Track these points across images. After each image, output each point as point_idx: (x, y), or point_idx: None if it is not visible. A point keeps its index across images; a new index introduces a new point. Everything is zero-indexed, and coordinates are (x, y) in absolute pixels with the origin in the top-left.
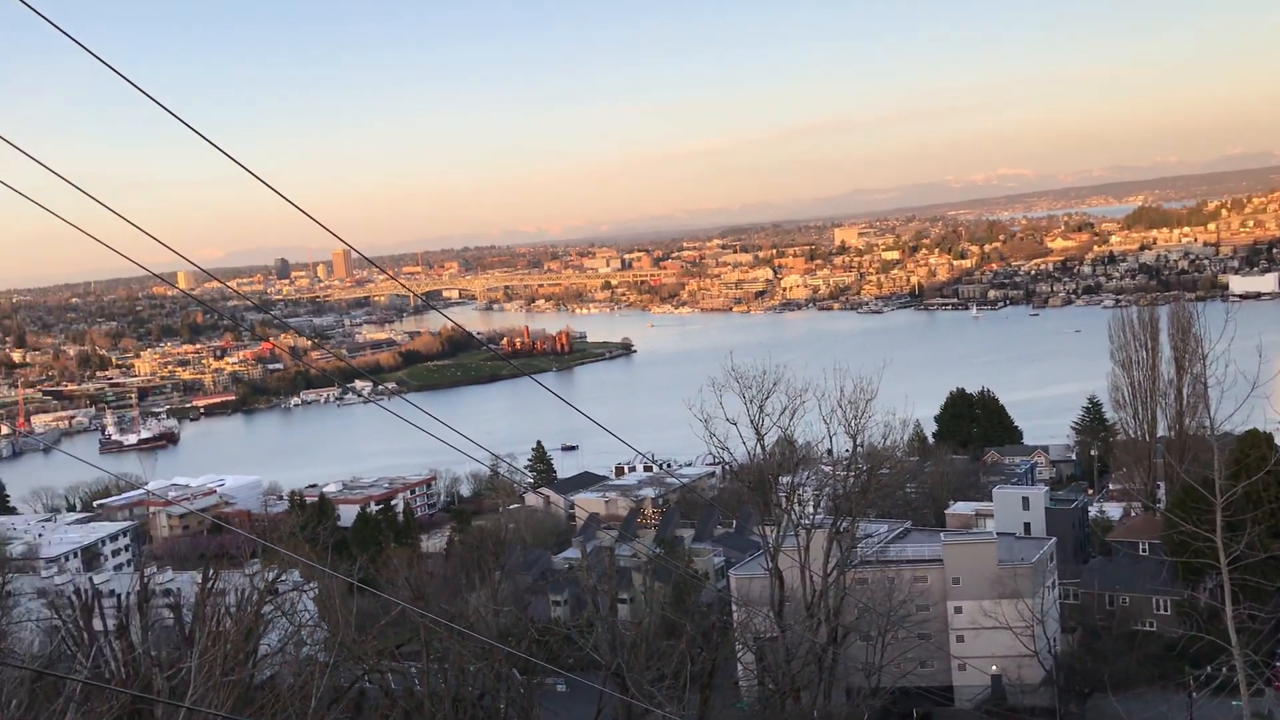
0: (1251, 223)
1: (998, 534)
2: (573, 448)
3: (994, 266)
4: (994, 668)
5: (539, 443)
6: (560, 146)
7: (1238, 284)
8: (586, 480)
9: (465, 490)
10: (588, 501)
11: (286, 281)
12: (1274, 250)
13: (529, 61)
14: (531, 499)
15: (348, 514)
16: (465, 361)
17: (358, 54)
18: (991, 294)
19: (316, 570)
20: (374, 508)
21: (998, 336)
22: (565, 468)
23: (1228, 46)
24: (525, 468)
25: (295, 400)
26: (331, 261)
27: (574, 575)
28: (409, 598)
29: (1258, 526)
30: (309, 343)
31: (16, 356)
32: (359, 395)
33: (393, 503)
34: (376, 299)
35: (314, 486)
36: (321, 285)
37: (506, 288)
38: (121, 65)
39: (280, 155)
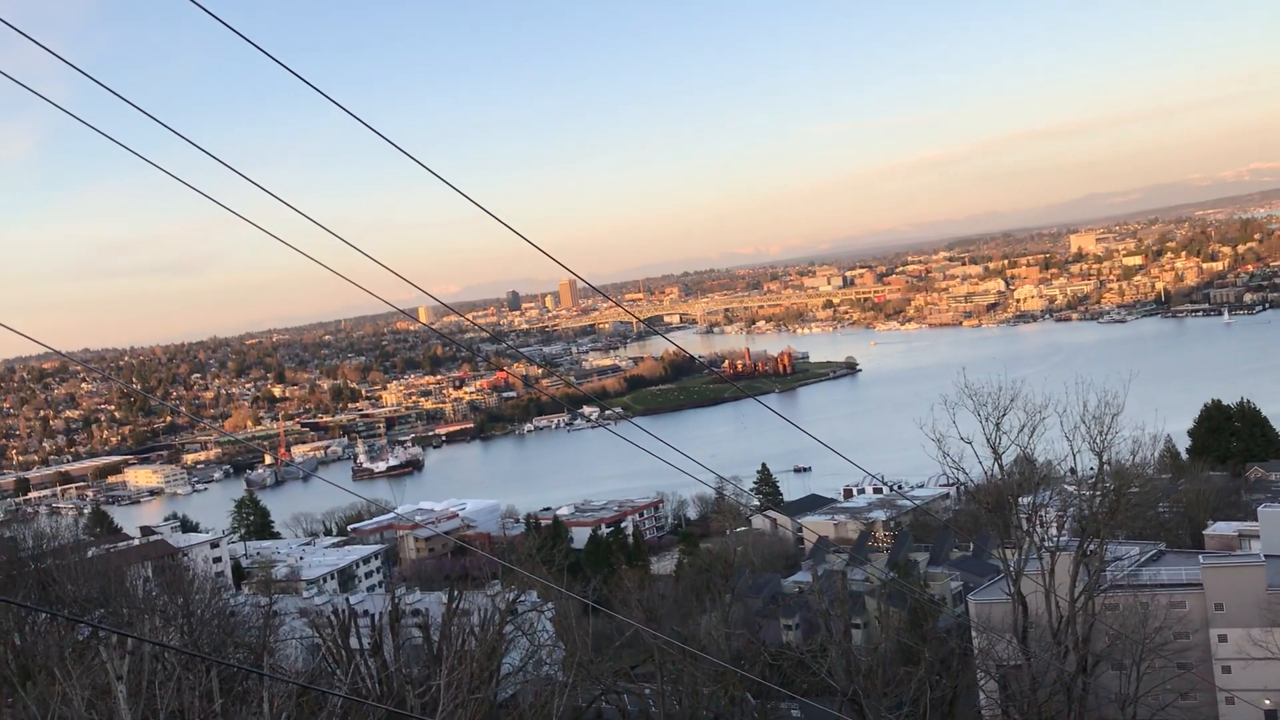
0: None
1: (1265, 556)
2: (805, 469)
3: (1249, 268)
4: (1267, 701)
5: (764, 465)
6: (778, 167)
7: None
8: (814, 503)
9: (692, 513)
10: (816, 524)
11: (517, 313)
12: None
13: (745, 85)
14: (758, 522)
15: (580, 536)
16: (688, 385)
17: (577, 84)
18: (1248, 297)
19: (553, 591)
20: (605, 530)
21: (1257, 343)
22: (795, 489)
23: None
24: (751, 490)
25: (528, 426)
26: (558, 292)
27: (805, 599)
28: (642, 619)
29: None
30: (539, 371)
31: (277, 391)
32: (587, 420)
33: (622, 525)
34: (601, 326)
35: (548, 509)
36: (550, 315)
37: (726, 310)
38: (365, 114)
39: (510, 189)
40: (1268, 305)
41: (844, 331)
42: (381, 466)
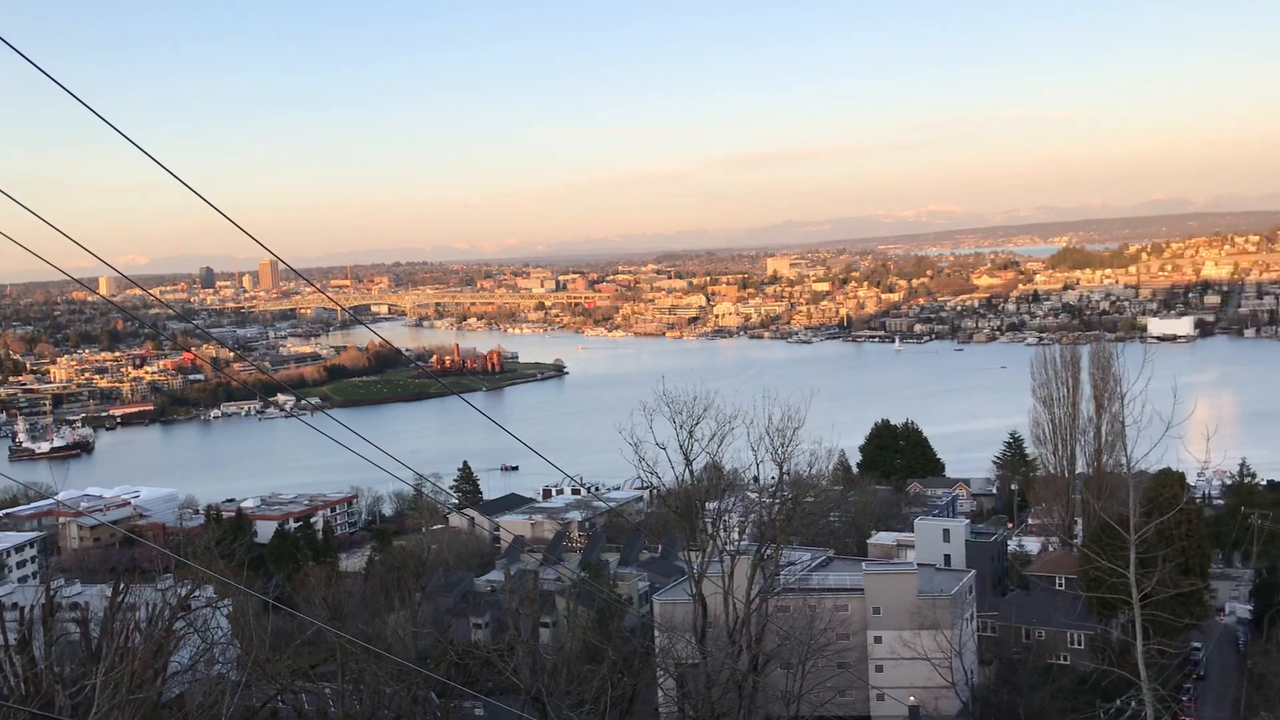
0: (1170, 267)
1: (918, 565)
2: (513, 468)
3: (921, 301)
4: (911, 699)
5: (465, 462)
6: (498, 165)
7: (1156, 326)
8: (513, 502)
9: (388, 509)
10: (513, 524)
11: (211, 291)
12: (1190, 295)
13: (463, 80)
14: (456, 520)
15: (265, 530)
16: (393, 378)
17: (293, 62)
18: (918, 328)
19: (231, 587)
20: (293, 524)
21: (923, 370)
22: (502, 488)
23: (1152, 97)
24: (451, 488)
25: (215, 412)
26: (258, 272)
27: (496, 598)
28: (325, 617)
29: (1168, 564)
30: (231, 354)
31: None
32: (281, 409)
33: (312, 520)
34: (303, 312)
35: (231, 501)
36: (247, 296)
37: (438, 305)
38: (47, 64)
39: (210, 161)
40: (934, 336)
41: (554, 334)
42: (44, 447)
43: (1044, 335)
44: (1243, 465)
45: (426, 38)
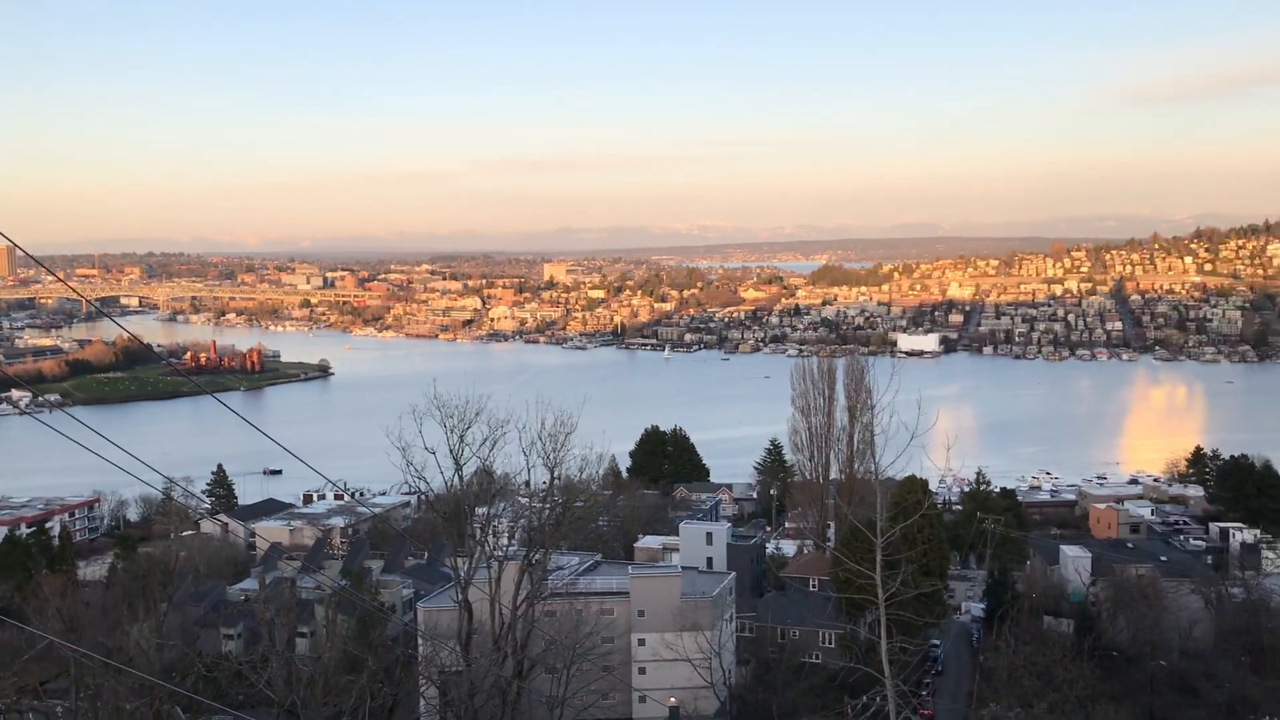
0: (919, 286)
1: (682, 568)
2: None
3: (692, 311)
4: (672, 700)
5: (220, 466)
6: (260, 154)
7: (905, 342)
8: (271, 508)
9: (133, 514)
10: (271, 530)
11: None
12: (936, 313)
13: (222, 59)
14: (208, 526)
15: None
16: (142, 375)
17: (30, 32)
18: (688, 337)
19: None
20: (25, 530)
21: (692, 378)
22: (264, 492)
23: (906, 122)
24: (204, 492)
25: None
26: None
27: (250, 607)
28: (59, 630)
29: (911, 565)
30: None
31: None
32: (15, 406)
33: (48, 525)
34: (44, 301)
35: None
36: None
37: (194, 299)
38: None
39: None
40: (703, 345)
41: (320, 333)
42: None
43: (804, 347)
44: (979, 473)
45: (195, 13)
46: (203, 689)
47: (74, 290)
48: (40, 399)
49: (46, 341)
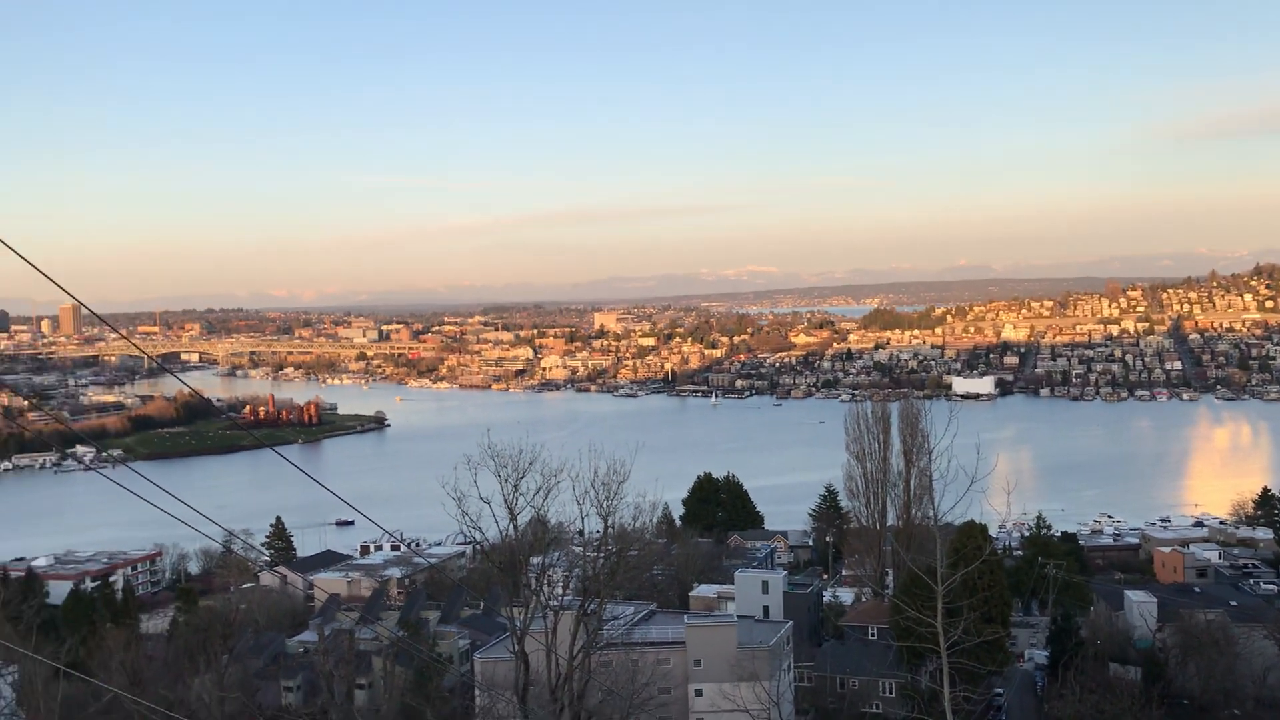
0: (972, 329)
1: (738, 617)
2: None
3: (742, 357)
4: None
5: (279, 518)
6: (318, 212)
7: (960, 385)
8: (328, 559)
9: (194, 567)
10: (329, 581)
11: (5, 335)
12: (991, 355)
13: (282, 123)
14: (267, 579)
15: (59, 590)
16: (202, 429)
17: (99, 94)
18: (739, 383)
19: (17, 653)
20: (89, 584)
21: (744, 424)
22: (315, 545)
23: (957, 165)
24: (263, 545)
25: (6, 464)
26: (58, 317)
27: (309, 659)
28: (123, 683)
29: (973, 613)
30: (26, 402)
31: None
32: (80, 462)
33: (111, 579)
34: (107, 359)
35: (21, 560)
36: (45, 341)
37: (253, 353)
38: None
39: (5, 199)
40: (754, 391)
41: (376, 385)
42: None
43: (857, 392)
44: (1039, 518)
45: (244, 78)
46: None
47: (136, 347)
48: (104, 454)
49: (110, 398)
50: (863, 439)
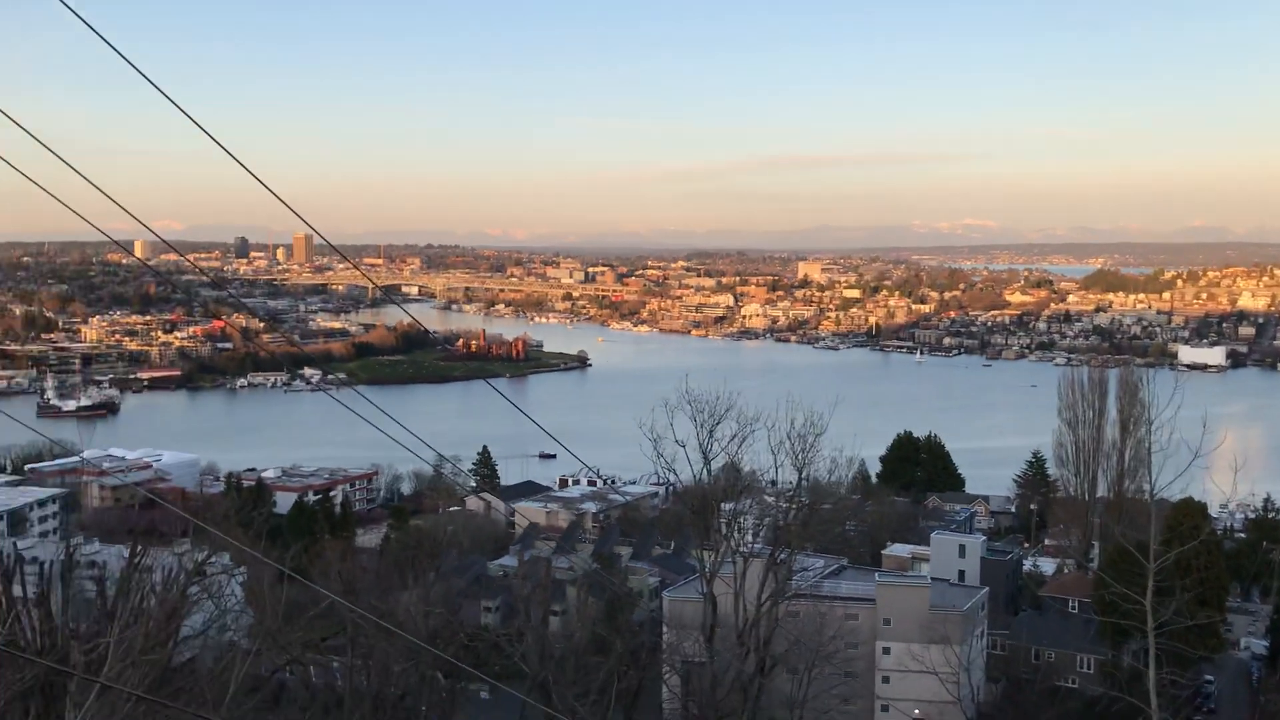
0: (1205, 295)
1: (932, 579)
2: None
3: (952, 314)
4: (916, 711)
5: (485, 447)
6: (535, 151)
7: (1187, 354)
8: (530, 489)
9: (406, 488)
10: (529, 510)
11: (245, 261)
12: (1224, 324)
13: (501, 61)
14: (472, 503)
15: (285, 501)
16: (419, 359)
17: (333, 35)
18: (947, 341)
19: (247, 555)
20: (312, 497)
21: (950, 383)
22: (515, 476)
23: (1196, 120)
24: (470, 471)
25: (242, 381)
26: (292, 245)
27: (508, 583)
28: (339, 591)
29: (1186, 594)
30: (261, 325)
31: None
32: (307, 382)
33: (331, 494)
34: (335, 287)
35: (252, 470)
36: (280, 268)
37: (467, 289)
38: (95, 19)
39: (249, 132)
40: (963, 350)
41: (580, 325)
42: (71, 405)
43: (1073, 356)
44: (1267, 500)
45: (469, 14)
46: (463, 657)
47: (366, 276)
48: (329, 377)
49: (336, 324)
50: (1077, 405)
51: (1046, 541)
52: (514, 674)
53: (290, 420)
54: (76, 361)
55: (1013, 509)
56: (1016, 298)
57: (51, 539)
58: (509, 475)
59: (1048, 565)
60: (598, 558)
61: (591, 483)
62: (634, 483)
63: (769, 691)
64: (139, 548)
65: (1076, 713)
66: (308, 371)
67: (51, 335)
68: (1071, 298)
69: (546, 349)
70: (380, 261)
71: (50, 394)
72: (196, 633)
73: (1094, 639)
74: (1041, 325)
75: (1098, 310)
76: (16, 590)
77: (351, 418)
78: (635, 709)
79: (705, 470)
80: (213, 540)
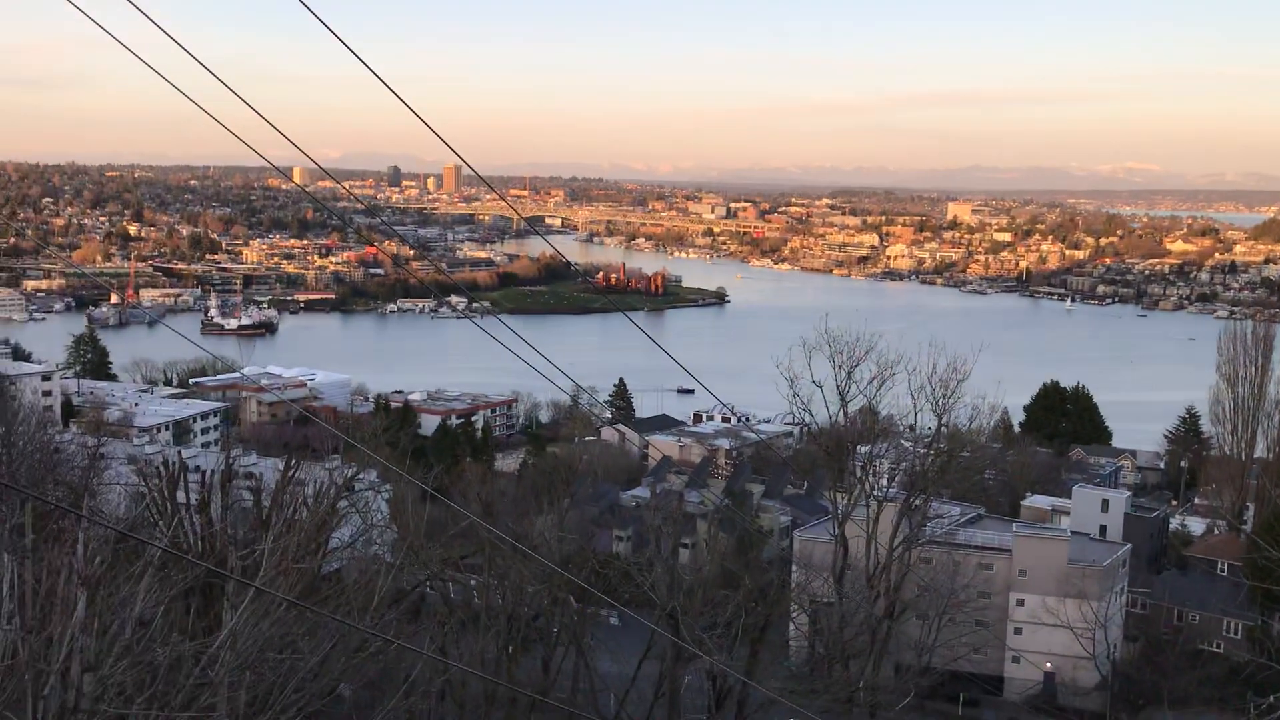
0: None
1: (1072, 532)
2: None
3: (1107, 261)
4: (1048, 665)
5: (621, 379)
6: (680, 85)
7: None
8: (664, 422)
9: (544, 416)
10: (663, 444)
11: (396, 190)
12: None
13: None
14: (607, 434)
15: (429, 423)
16: (559, 290)
17: None
18: (1101, 289)
19: (393, 473)
20: (455, 421)
21: (1102, 333)
22: (650, 409)
23: None
24: (606, 402)
25: (391, 307)
26: (442, 175)
27: (640, 514)
28: (479, 512)
29: None
30: (411, 252)
31: (132, 230)
32: (453, 310)
33: (473, 418)
34: (481, 218)
35: (400, 393)
36: (430, 197)
37: (609, 222)
38: None
39: (406, 62)
40: (1118, 299)
41: (719, 261)
42: (233, 324)
43: (1236, 309)
44: None
45: None
46: (594, 583)
47: (512, 208)
48: (474, 305)
49: (482, 254)
50: (1237, 360)
51: (1196, 500)
52: (643, 602)
53: (436, 346)
54: (238, 282)
55: (1161, 465)
56: (1178, 246)
57: (213, 449)
58: (644, 408)
59: (1196, 525)
60: (729, 494)
61: (725, 419)
62: (768, 421)
63: (897, 635)
64: (293, 461)
65: (1219, 678)
66: (454, 299)
67: (215, 256)
68: (1239, 248)
69: (685, 284)
70: (525, 193)
71: (214, 312)
72: (344, 545)
73: (1242, 603)
74: (1204, 276)
75: (1267, 261)
76: (180, 496)
77: (494, 345)
78: (762, 644)
79: (842, 412)
80: (361, 458)
